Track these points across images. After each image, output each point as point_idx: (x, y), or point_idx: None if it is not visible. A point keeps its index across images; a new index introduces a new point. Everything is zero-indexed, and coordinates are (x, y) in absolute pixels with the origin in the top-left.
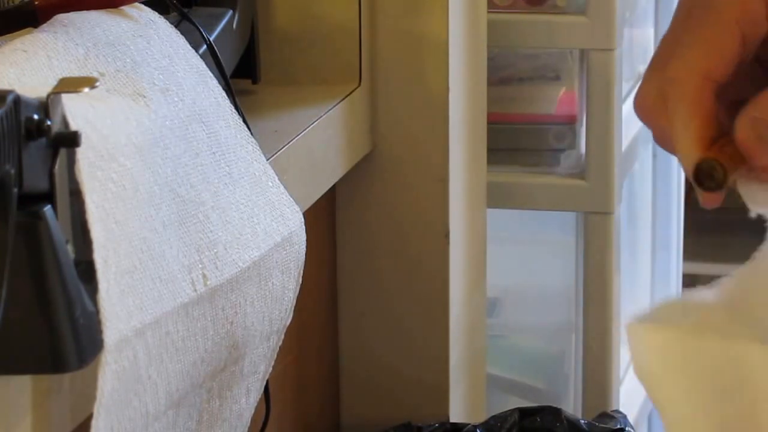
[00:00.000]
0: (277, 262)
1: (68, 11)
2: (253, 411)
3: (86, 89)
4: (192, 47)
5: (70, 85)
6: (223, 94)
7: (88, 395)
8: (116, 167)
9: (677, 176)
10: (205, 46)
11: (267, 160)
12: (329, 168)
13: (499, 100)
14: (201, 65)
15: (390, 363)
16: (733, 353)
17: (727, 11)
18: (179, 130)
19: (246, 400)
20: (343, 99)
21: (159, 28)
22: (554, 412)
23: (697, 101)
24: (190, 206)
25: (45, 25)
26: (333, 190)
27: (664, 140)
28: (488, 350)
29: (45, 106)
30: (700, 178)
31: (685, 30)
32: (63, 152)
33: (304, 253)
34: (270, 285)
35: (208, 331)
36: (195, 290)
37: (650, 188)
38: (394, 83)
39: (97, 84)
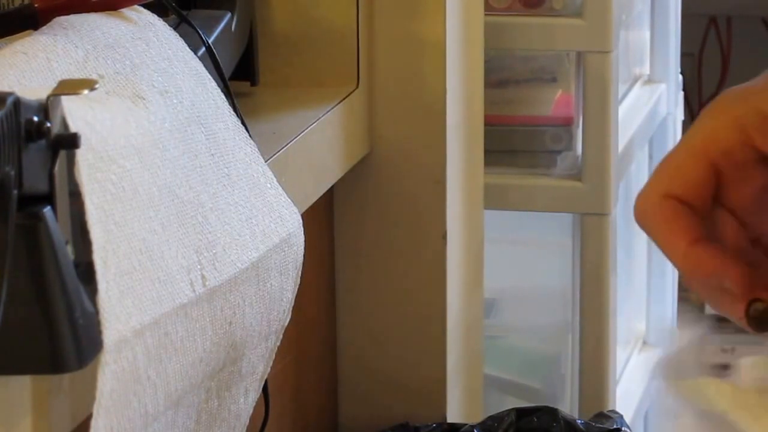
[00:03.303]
0: (275, 263)
1: (68, 13)
2: (251, 411)
3: (86, 91)
4: (191, 50)
5: (69, 87)
6: (222, 96)
7: (87, 395)
8: (115, 169)
9: None
10: (203, 49)
11: (265, 161)
12: (327, 169)
13: (496, 102)
14: (200, 67)
15: (388, 363)
16: None
17: (696, 139)
18: (178, 132)
19: (244, 400)
20: (341, 101)
21: (158, 30)
22: (551, 413)
23: (659, 216)
24: (189, 207)
25: (45, 27)
26: (331, 191)
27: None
28: (485, 351)
29: (45, 108)
30: (754, 324)
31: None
32: (63, 154)
33: (302, 254)
34: (268, 286)
35: (206, 331)
36: (194, 291)
37: None
38: (391, 85)
39: (97, 86)
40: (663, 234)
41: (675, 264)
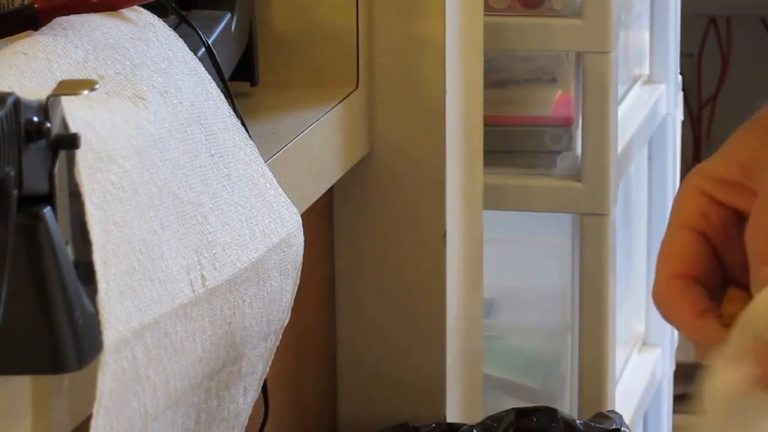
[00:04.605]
0: (275, 263)
1: (68, 14)
2: (250, 411)
3: (86, 92)
4: (191, 50)
5: (69, 87)
6: (222, 96)
7: (87, 395)
8: (115, 169)
9: (673, 178)
10: (203, 49)
11: (265, 162)
12: (327, 170)
13: (496, 103)
14: (199, 68)
15: (387, 363)
16: None
17: (674, 216)
18: (178, 133)
19: (243, 399)
20: (341, 101)
21: (158, 31)
22: (550, 413)
23: (666, 297)
24: (189, 208)
25: (45, 27)
26: (330, 191)
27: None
28: (485, 351)
29: (45, 109)
30: None
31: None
32: (63, 154)
33: (301, 254)
34: (268, 286)
35: (206, 331)
36: (193, 291)
37: (646, 190)
38: (391, 86)
39: (97, 87)
40: (672, 312)
41: (688, 337)
